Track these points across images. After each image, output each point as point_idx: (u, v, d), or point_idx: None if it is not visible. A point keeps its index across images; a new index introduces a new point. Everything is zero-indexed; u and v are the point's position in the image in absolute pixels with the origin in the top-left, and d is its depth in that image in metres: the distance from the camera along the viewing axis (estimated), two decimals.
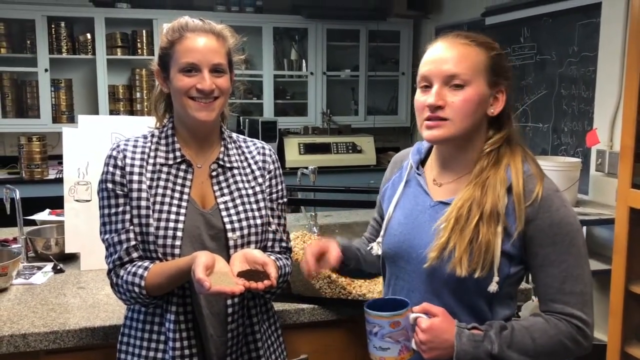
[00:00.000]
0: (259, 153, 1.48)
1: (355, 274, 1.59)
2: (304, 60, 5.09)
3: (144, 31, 4.65)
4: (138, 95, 4.72)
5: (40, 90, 4.42)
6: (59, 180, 3.58)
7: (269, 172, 1.46)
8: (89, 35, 4.54)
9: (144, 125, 2.10)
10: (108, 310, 1.66)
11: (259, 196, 1.42)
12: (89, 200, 2.03)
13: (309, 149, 4.77)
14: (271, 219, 1.44)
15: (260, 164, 1.46)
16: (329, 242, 1.38)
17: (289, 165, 4.62)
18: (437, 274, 1.20)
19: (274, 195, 1.46)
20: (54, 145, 4.42)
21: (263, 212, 1.41)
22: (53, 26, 4.44)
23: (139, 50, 4.68)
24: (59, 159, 3.68)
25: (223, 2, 4.79)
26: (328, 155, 4.79)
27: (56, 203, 2.52)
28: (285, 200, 1.49)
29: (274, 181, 1.47)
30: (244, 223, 1.37)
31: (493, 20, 4.08)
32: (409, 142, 5.53)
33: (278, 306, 1.69)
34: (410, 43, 5.22)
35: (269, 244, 1.44)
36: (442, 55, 1.20)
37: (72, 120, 4.50)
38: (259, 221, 1.40)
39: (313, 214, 2.49)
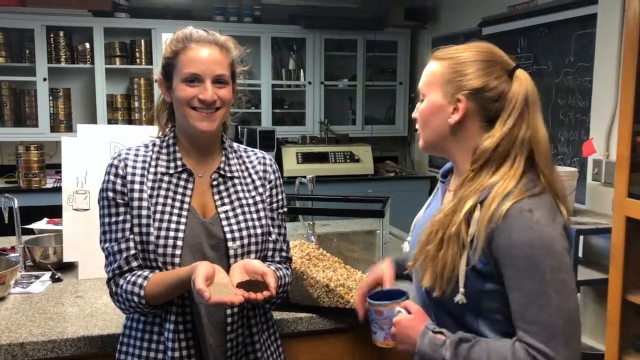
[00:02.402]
0: (259, 163, 1.48)
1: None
2: (302, 70, 5.11)
3: (142, 41, 4.67)
4: (136, 104, 4.73)
5: (38, 99, 4.43)
6: (57, 190, 3.59)
7: (270, 181, 1.47)
8: (87, 45, 4.56)
9: (143, 134, 2.11)
10: (106, 319, 1.66)
11: (260, 206, 1.43)
12: (88, 209, 2.04)
13: (307, 158, 4.78)
14: (271, 229, 1.44)
15: (261, 173, 1.47)
16: (380, 268, 1.44)
17: (287, 174, 4.63)
18: (416, 279, 1.29)
19: (274, 205, 1.47)
20: (52, 154, 4.42)
21: (263, 221, 1.42)
22: (52, 36, 4.45)
23: (138, 60, 4.70)
24: (56, 167, 3.68)
25: (221, 12, 4.82)
26: (326, 164, 4.80)
27: (54, 212, 2.53)
28: (285, 210, 1.50)
29: (274, 191, 1.47)
30: (244, 233, 1.38)
31: (490, 31, 4.11)
32: (406, 152, 5.54)
33: (276, 315, 1.69)
34: (407, 53, 5.24)
35: (269, 253, 1.44)
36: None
37: (70, 129, 4.51)
38: (259, 231, 1.40)
39: (311, 222, 2.50)
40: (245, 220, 1.39)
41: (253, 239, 1.38)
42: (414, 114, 1.32)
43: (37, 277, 2.00)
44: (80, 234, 2.01)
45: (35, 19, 4.32)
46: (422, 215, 1.44)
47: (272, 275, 1.26)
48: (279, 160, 4.66)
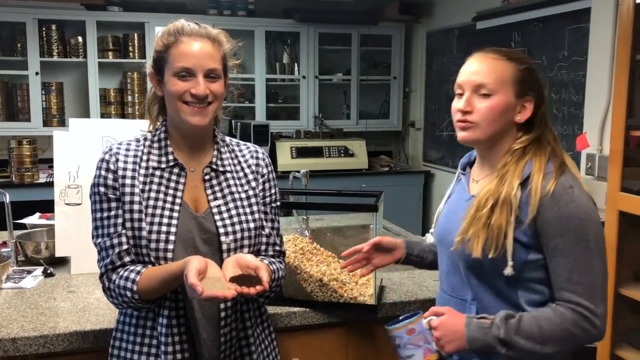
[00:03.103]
0: (252, 157, 1.48)
1: (435, 267, 1.63)
2: (296, 64, 5.10)
3: (135, 34, 4.64)
4: (129, 98, 4.71)
5: (30, 93, 4.40)
6: (50, 184, 3.57)
7: (262, 175, 1.46)
8: (80, 39, 4.53)
9: (136, 128, 2.10)
10: (99, 314, 1.65)
11: (252, 200, 1.42)
12: (80, 204, 2.03)
13: (301, 152, 4.77)
14: (264, 223, 1.44)
15: (253, 167, 1.46)
16: (398, 240, 1.61)
17: (281, 169, 4.62)
18: (462, 257, 1.35)
19: (267, 199, 1.46)
20: (44, 149, 4.40)
21: (256, 215, 1.41)
22: (44, 29, 4.42)
23: (131, 54, 4.67)
24: (49, 162, 3.66)
25: (215, 6, 4.79)
26: (320, 159, 4.79)
27: (46, 207, 2.51)
28: (278, 204, 1.49)
29: (267, 185, 1.47)
30: (237, 227, 1.37)
31: (484, 25, 4.10)
32: (400, 146, 5.55)
33: (270, 310, 1.69)
34: (401, 47, 5.24)
35: (263, 247, 1.44)
36: (473, 67, 1.36)
37: (63, 123, 4.48)
38: (252, 225, 1.39)
39: (305, 217, 2.49)
40: (238, 215, 1.38)
41: (246, 234, 1.38)
42: (466, 107, 1.34)
43: (29, 272, 1.99)
44: (72, 229, 2.00)
45: (27, 12, 4.29)
46: (443, 207, 1.52)
47: (265, 270, 1.26)
48: (272, 154, 4.65)
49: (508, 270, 1.27)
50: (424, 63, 5.20)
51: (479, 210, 1.30)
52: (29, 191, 4.00)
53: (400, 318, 1.35)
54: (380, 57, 5.31)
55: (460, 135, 1.38)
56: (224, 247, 1.35)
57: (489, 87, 1.32)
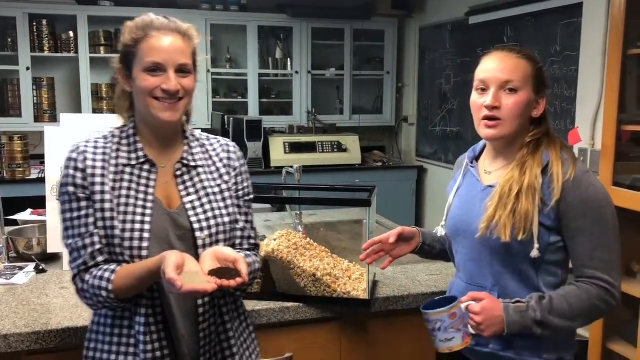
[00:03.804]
0: (223, 150, 1.45)
1: (441, 257, 1.69)
2: (289, 59, 5.09)
3: None
4: None
5: (21, 88, 4.37)
6: (41, 180, 3.55)
7: (234, 169, 1.44)
8: (71, 34, 4.49)
9: None
10: (91, 310, 1.64)
11: (226, 194, 1.40)
12: None
13: (294, 148, 4.76)
14: (238, 217, 1.42)
15: (225, 161, 1.44)
16: (414, 229, 1.65)
17: (274, 164, 4.62)
18: (487, 243, 1.40)
19: (240, 193, 1.44)
20: (35, 145, 4.37)
21: (230, 209, 1.40)
22: (35, 24, 4.39)
23: None
24: (41, 158, 3.63)
25: (207, 1, 4.76)
26: (313, 154, 4.79)
27: (38, 203, 2.50)
28: (252, 197, 1.47)
29: (239, 178, 1.45)
30: (212, 222, 1.35)
31: (476, 20, 4.11)
32: (394, 141, 5.55)
33: (263, 305, 1.69)
34: (394, 42, 5.24)
35: (237, 241, 1.42)
36: (499, 64, 1.41)
37: (54, 119, 4.45)
38: (226, 219, 1.38)
39: (298, 212, 2.50)
40: (212, 210, 1.37)
41: (221, 228, 1.36)
42: (495, 103, 1.38)
43: (20, 269, 1.98)
44: None
45: (17, 6, 4.26)
46: (452, 200, 1.56)
47: (244, 262, 1.24)
48: (266, 150, 4.64)
49: (534, 253, 1.35)
50: (416, 58, 5.20)
51: (503, 198, 1.37)
52: (20, 187, 3.97)
53: (436, 300, 1.38)
54: (373, 52, 5.31)
55: (487, 132, 1.42)
56: (199, 242, 1.33)
57: (515, 83, 1.38)
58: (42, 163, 2.05)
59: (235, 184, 1.44)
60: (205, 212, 1.36)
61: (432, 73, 4.92)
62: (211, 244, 1.34)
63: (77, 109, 4.56)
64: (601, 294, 1.34)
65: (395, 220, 2.85)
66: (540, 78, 1.43)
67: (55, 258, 2.08)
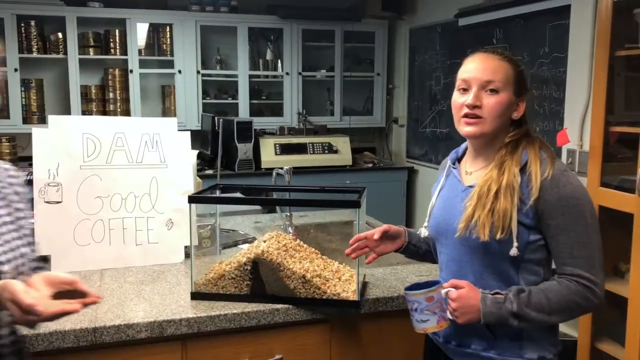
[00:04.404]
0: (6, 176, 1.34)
1: (427, 258, 1.71)
2: (279, 61, 5.09)
3: (117, 31, 4.59)
4: (111, 95, 4.66)
5: (10, 90, 4.34)
6: (29, 182, 3.51)
7: (17, 194, 1.34)
8: (60, 35, 4.47)
9: (116, 125, 2.09)
10: (79, 313, 1.62)
11: (21, 222, 1.31)
12: (60, 202, 2.00)
13: (285, 149, 4.76)
14: (29, 240, 1.32)
15: (8, 188, 1.33)
16: (401, 228, 1.68)
17: (264, 165, 4.61)
18: (467, 242, 1.42)
19: (23, 221, 1.33)
20: (24, 147, 4.34)
21: (25, 237, 1.30)
22: (23, 25, 4.36)
23: (112, 50, 4.63)
24: (29, 160, 3.61)
25: (197, 2, 4.75)
26: (304, 155, 4.79)
27: None
28: (33, 220, 1.35)
29: (15, 205, 1.32)
30: (11, 255, 1.24)
31: (466, 22, 4.13)
32: (384, 143, 5.56)
33: (253, 307, 1.68)
34: (385, 44, 5.25)
35: (33, 266, 1.31)
36: (481, 65, 1.43)
37: (43, 121, 4.43)
38: (26, 249, 1.28)
39: (288, 214, 2.49)
40: (8, 241, 1.25)
41: (22, 259, 1.26)
42: (475, 102, 1.40)
43: None
44: (52, 227, 1.98)
45: (5, 7, 4.23)
46: (436, 200, 1.57)
47: (82, 282, 1.16)
48: (256, 151, 4.64)
49: (513, 251, 1.36)
50: (406, 59, 5.22)
51: (482, 197, 1.39)
52: None
53: (420, 282, 1.44)
54: (364, 53, 5.31)
55: (467, 130, 1.44)
56: (8, 276, 1.19)
57: (496, 84, 1.40)
58: (31, 165, 2.03)
59: (17, 210, 1.32)
60: (1, 245, 1.23)
61: (422, 74, 4.94)
62: (16, 277, 1.21)
63: (66, 110, 4.54)
64: (581, 290, 1.35)
65: (386, 221, 2.84)
66: (521, 81, 1.45)
67: (43, 261, 2.07)
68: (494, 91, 1.40)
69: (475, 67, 1.43)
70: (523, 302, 1.34)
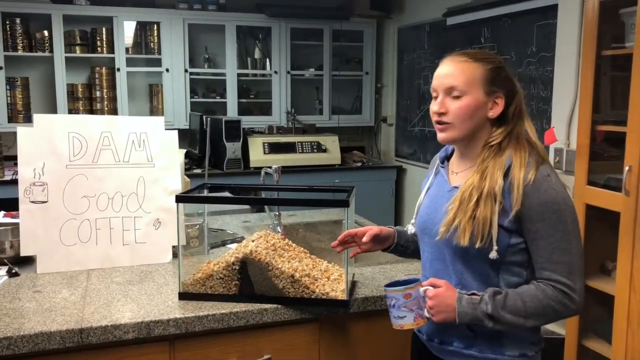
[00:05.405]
0: None
1: (415, 256, 1.71)
2: (267, 59, 5.07)
3: (104, 29, 4.55)
4: (98, 94, 4.63)
5: None
6: (15, 182, 3.48)
7: None
8: (46, 33, 4.43)
9: (103, 124, 2.07)
10: (65, 314, 1.61)
11: None
12: (45, 202, 1.98)
13: (274, 148, 4.75)
14: None
15: None
16: (392, 230, 1.69)
17: (253, 165, 4.60)
18: (448, 245, 1.43)
19: None
20: (9, 146, 4.30)
21: None
22: (8, 22, 4.31)
23: (99, 48, 4.59)
24: (15, 159, 3.58)
25: (185, 0, 4.73)
26: (293, 154, 4.78)
27: (11, 205, 2.45)
28: None
29: None
30: None
31: (454, 21, 4.14)
32: (373, 142, 5.57)
33: (241, 307, 1.68)
34: (373, 43, 5.25)
35: None
36: (445, 70, 1.44)
37: (29, 120, 4.39)
38: None
39: (277, 213, 2.48)
40: None
41: None
42: (440, 109, 1.42)
43: None
44: (38, 227, 1.96)
45: None
46: (423, 198, 1.58)
47: None
48: (245, 150, 4.62)
49: (493, 254, 1.36)
50: (395, 58, 5.23)
51: (463, 203, 1.39)
52: None
53: (400, 280, 1.47)
54: (352, 52, 5.32)
55: (440, 136, 1.46)
56: None
57: (459, 88, 1.41)
58: (17, 164, 2.01)
59: None
60: None
61: (411, 73, 4.95)
62: None
63: (52, 109, 4.50)
64: (558, 296, 1.35)
65: (375, 220, 2.85)
66: (493, 78, 1.42)
67: (28, 261, 2.04)
68: (457, 96, 1.41)
69: (439, 74, 1.45)
70: (498, 304, 1.34)
